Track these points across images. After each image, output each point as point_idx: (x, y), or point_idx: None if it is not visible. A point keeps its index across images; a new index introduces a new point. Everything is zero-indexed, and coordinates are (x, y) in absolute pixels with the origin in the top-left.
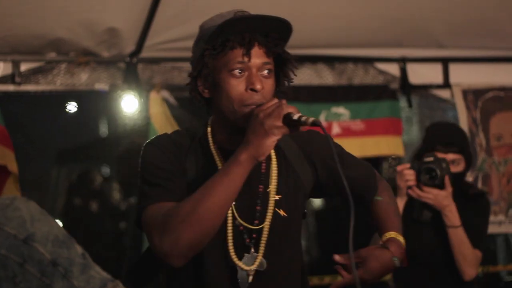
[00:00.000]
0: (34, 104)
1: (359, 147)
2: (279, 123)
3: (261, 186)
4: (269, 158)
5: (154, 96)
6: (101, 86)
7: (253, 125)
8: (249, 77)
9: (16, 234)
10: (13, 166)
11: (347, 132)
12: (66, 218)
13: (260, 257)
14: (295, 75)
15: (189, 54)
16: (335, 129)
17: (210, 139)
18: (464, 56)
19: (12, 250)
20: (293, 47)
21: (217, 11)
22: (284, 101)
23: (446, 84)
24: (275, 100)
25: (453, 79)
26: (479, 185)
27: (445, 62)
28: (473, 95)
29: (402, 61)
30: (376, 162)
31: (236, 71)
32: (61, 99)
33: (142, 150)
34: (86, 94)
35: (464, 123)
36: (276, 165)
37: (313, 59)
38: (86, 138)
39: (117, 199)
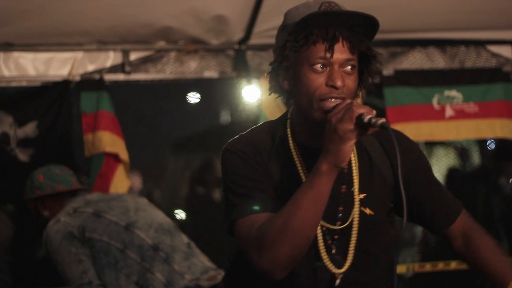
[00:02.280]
0: (145, 93)
1: (473, 129)
2: (352, 126)
3: (344, 186)
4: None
5: (263, 83)
6: (211, 74)
7: (328, 132)
8: (330, 73)
9: (118, 221)
10: (124, 155)
11: (461, 114)
12: (189, 207)
13: (350, 260)
14: (381, 72)
15: None
16: (448, 112)
17: (290, 139)
18: None
19: (114, 236)
20: (404, 31)
21: None
22: (354, 102)
23: None
24: (346, 102)
25: None
26: None
27: None
28: None
29: None
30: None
31: (318, 66)
32: (170, 88)
33: (221, 156)
34: (195, 82)
35: None
36: (357, 164)
37: (424, 43)
38: (200, 127)
39: None
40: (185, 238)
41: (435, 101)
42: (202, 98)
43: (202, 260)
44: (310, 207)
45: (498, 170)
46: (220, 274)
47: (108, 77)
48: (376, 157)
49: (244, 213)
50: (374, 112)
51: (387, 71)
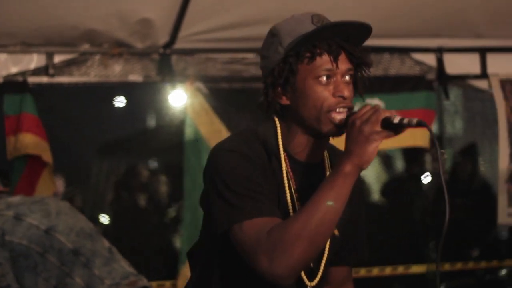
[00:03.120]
0: (69, 95)
1: (395, 138)
2: (378, 128)
3: None
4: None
5: (188, 87)
6: (135, 77)
7: (352, 134)
8: (336, 84)
9: (38, 224)
10: (48, 157)
11: None
12: (113, 211)
13: (320, 274)
14: (370, 79)
15: (223, 45)
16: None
17: (282, 152)
18: (502, 46)
19: (34, 240)
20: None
21: (252, 2)
22: (379, 106)
23: (484, 75)
24: (369, 106)
25: (490, 69)
26: None
27: (483, 52)
28: (511, 85)
29: (439, 51)
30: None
31: (323, 78)
32: (95, 91)
33: (217, 155)
34: (120, 86)
35: (502, 114)
36: None
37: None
38: (124, 131)
39: (163, 192)
40: (106, 243)
41: (356, 109)
42: (126, 102)
43: (123, 265)
44: (330, 209)
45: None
46: (141, 280)
47: (32, 79)
48: None
49: (250, 215)
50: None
51: None
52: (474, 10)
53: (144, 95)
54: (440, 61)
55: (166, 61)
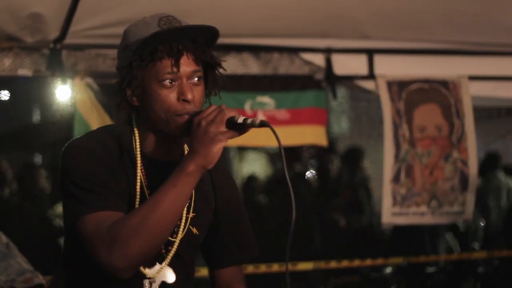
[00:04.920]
0: None
1: (284, 136)
2: (223, 128)
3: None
4: None
5: (78, 83)
6: (24, 72)
7: (197, 134)
8: (180, 87)
9: None
10: None
11: (272, 121)
12: (6, 207)
13: (163, 267)
14: (224, 80)
15: (113, 41)
16: (260, 118)
17: (137, 150)
18: (389, 48)
19: None
20: (220, 36)
21: None
22: (224, 106)
23: (371, 75)
24: (214, 106)
25: (378, 70)
26: (402, 176)
27: (370, 53)
28: (397, 86)
29: (327, 52)
30: (297, 151)
31: (167, 82)
32: None
33: (66, 152)
34: (9, 80)
35: (387, 115)
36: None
37: (238, 48)
38: (12, 125)
39: (45, 186)
40: (4, 239)
41: (247, 107)
42: (15, 96)
43: (19, 262)
44: (171, 206)
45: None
46: (37, 277)
47: None
48: (204, 182)
49: (93, 208)
50: (244, 116)
51: None
52: (362, 11)
53: (33, 90)
54: (328, 61)
55: (56, 56)
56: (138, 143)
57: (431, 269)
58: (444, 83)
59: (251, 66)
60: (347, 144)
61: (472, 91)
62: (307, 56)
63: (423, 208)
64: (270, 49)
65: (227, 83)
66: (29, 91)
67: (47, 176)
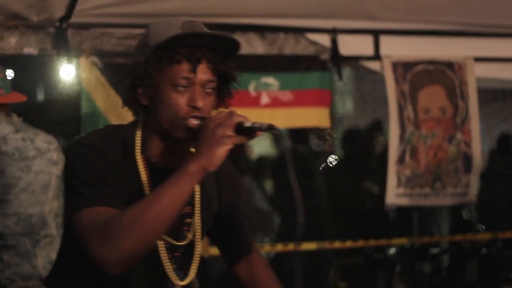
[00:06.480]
0: None
1: (287, 118)
2: (231, 132)
3: (189, 207)
4: None
5: (83, 61)
6: (30, 50)
7: (204, 136)
8: (192, 93)
9: None
10: None
11: (275, 102)
12: None
13: (192, 274)
14: (237, 92)
15: (119, 20)
16: (264, 99)
17: (139, 154)
18: (395, 29)
19: None
20: (224, 16)
21: None
22: (234, 111)
23: (377, 56)
24: (225, 110)
25: (383, 51)
26: (407, 157)
27: (376, 34)
28: (402, 67)
29: (333, 32)
30: (305, 133)
31: (180, 86)
32: None
33: (71, 149)
34: (14, 59)
35: (392, 96)
36: (199, 188)
37: (244, 28)
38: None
39: None
40: (53, 231)
41: (251, 88)
42: (21, 75)
43: (35, 265)
44: (169, 204)
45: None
46: None
47: None
48: (208, 183)
49: (92, 202)
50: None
51: None
52: None
53: (39, 69)
54: (334, 42)
55: (61, 35)
56: (139, 147)
57: (434, 250)
58: (450, 65)
59: (256, 46)
60: (351, 125)
61: (477, 73)
62: (313, 37)
63: (427, 190)
64: (276, 29)
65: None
66: (34, 70)
67: None
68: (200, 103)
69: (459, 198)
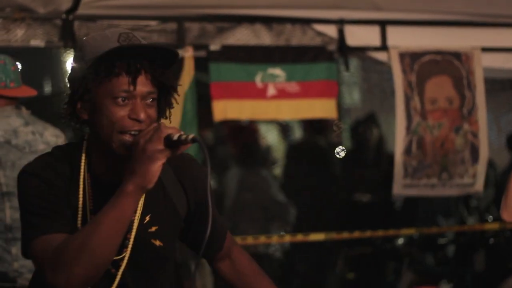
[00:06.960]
0: None
1: (294, 109)
2: (161, 146)
3: (148, 215)
4: None
5: None
6: (37, 42)
7: (136, 154)
8: (133, 106)
9: None
10: None
11: (282, 94)
12: None
13: (118, 280)
14: (177, 103)
15: (125, 12)
16: (271, 91)
17: (83, 170)
18: (402, 19)
19: None
20: (231, 7)
21: None
22: (162, 123)
23: (384, 47)
24: (154, 124)
25: (390, 41)
26: (414, 148)
27: (383, 24)
28: (409, 58)
29: (340, 23)
30: (325, 124)
31: (120, 99)
32: None
33: (19, 178)
34: (21, 51)
35: (399, 86)
36: (151, 195)
37: (251, 19)
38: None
39: None
40: None
41: (258, 79)
42: (27, 67)
43: None
44: (111, 227)
45: (319, 146)
46: None
47: None
48: (170, 188)
49: (41, 231)
50: (182, 132)
51: (214, 46)
52: None
53: (46, 61)
54: (341, 33)
55: (68, 27)
56: (83, 163)
57: (442, 241)
58: (457, 55)
59: (263, 37)
60: (359, 116)
61: (484, 63)
62: (320, 27)
63: (434, 180)
64: (283, 20)
65: (239, 54)
66: (41, 62)
67: None
68: (142, 116)
69: (466, 188)
